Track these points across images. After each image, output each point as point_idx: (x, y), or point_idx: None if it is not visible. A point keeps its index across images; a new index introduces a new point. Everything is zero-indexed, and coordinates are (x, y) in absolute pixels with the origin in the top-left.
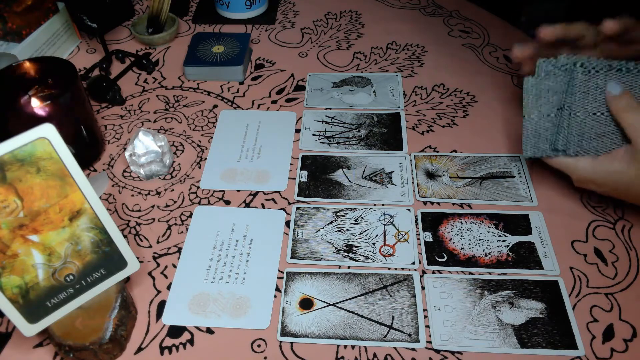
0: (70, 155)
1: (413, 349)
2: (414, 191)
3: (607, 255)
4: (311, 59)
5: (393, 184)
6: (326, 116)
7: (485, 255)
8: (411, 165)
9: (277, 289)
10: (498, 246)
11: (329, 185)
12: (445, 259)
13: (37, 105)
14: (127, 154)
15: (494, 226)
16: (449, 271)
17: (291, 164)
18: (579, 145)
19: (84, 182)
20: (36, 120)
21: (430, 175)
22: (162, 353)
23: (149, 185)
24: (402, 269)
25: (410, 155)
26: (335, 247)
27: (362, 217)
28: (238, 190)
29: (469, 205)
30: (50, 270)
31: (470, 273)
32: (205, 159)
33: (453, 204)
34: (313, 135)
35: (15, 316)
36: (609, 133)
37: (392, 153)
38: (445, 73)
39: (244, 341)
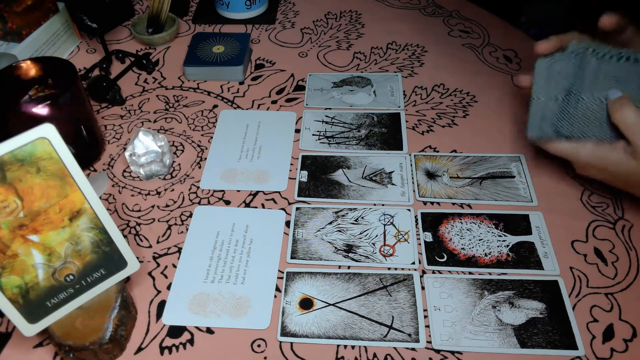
0: (70, 155)
1: (413, 349)
2: (414, 191)
3: (607, 255)
4: (311, 59)
5: (393, 184)
6: (326, 116)
7: (485, 255)
8: (411, 165)
9: (277, 289)
10: (498, 246)
11: (329, 185)
12: (445, 259)
13: (37, 105)
14: (127, 154)
15: (494, 226)
16: (449, 271)
17: (291, 164)
18: (582, 131)
19: (84, 182)
20: (36, 120)
21: (430, 175)
22: (162, 353)
23: (149, 185)
24: (402, 269)
25: (410, 155)
26: (335, 247)
27: (362, 217)
28: (238, 190)
29: (469, 205)
30: (50, 270)
31: (470, 273)
32: (205, 159)
33: (453, 204)
34: (313, 135)
35: (15, 316)
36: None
37: (392, 153)
38: (445, 73)
39: (244, 341)
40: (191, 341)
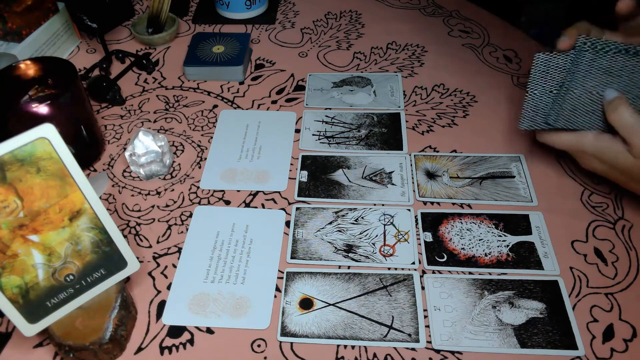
0: (70, 155)
1: (413, 349)
2: (414, 191)
3: (607, 255)
4: (311, 59)
5: (393, 184)
6: (326, 116)
7: (485, 255)
8: (411, 165)
9: (277, 289)
10: (498, 246)
11: (329, 185)
12: (445, 259)
13: (37, 105)
14: (127, 154)
15: (494, 226)
16: (449, 271)
17: (291, 164)
18: (568, 120)
19: (84, 182)
20: (36, 120)
21: (430, 175)
22: (162, 353)
23: (149, 185)
24: (402, 269)
25: (410, 155)
26: (335, 247)
27: (362, 217)
28: (238, 190)
29: (469, 205)
30: (50, 270)
31: (470, 273)
32: (205, 159)
33: (453, 204)
34: (313, 135)
35: (15, 316)
36: (599, 111)
37: (392, 153)
38: (445, 73)
39: (244, 341)
40: (191, 341)
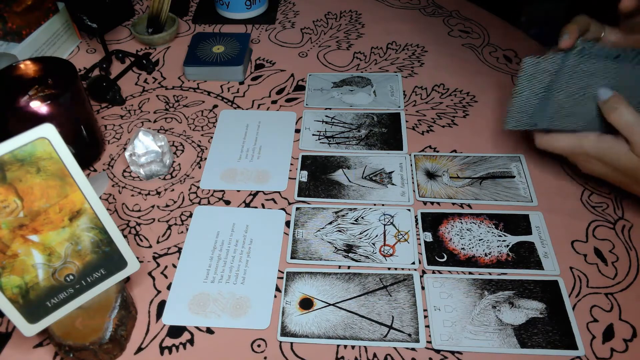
0: (70, 155)
1: (413, 349)
2: (414, 191)
3: (607, 255)
4: (311, 59)
5: (393, 184)
6: (326, 116)
7: (485, 255)
8: (411, 165)
9: (277, 289)
10: (498, 246)
11: (329, 185)
12: (445, 259)
13: (37, 105)
14: (127, 154)
15: (494, 226)
16: (449, 271)
17: (291, 164)
18: (551, 121)
19: (84, 182)
20: (36, 120)
21: (430, 175)
22: (162, 353)
23: (149, 185)
24: (402, 269)
25: (410, 155)
26: (335, 247)
27: (362, 217)
28: (238, 190)
29: (469, 205)
30: (50, 270)
31: (470, 273)
32: (205, 159)
33: (453, 204)
34: (313, 135)
35: (15, 316)
36: (581, 113)
37: (392, 153)
38: (445, 73)
39: (244, 341)
40: (191, 341)
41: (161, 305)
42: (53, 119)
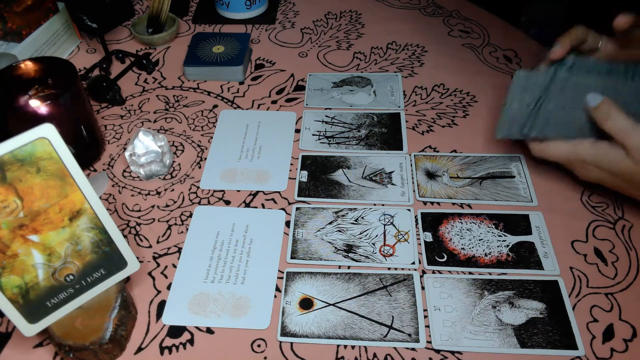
0: (70, 155)
1: (413, 349)
2: (414, 191)
3: (607, 255)
4: (311, 59)
5: (393, 184)
6: (326, 116)
7: (485, 255)
8: (411, 165)
9: (277, 289)
10: (498, 246)
11: (329, 185)
12: (445, 259)
13: (37, 105)
14: (127, 154)
15: (494, 226)
16: (449, 271)
17: (291, 164)
18: (541, 130)
19: (84, 182)
20: (36, 120)
21: (430, 175)
22: (162, 353)
23: (149, 185)
24: (402, 269)
25: (410, 155)
26: (335, 247)
27: (362, 217)
28: (238, 190)
29: (469, 205)
30: (50, 270)
31: (470, 273)
32: (205, 159)
33: (453, 204)
34: (313, 135)
35: (15, 316)
36: (571, 121)
37: (392, 153)
38: (445, 73)
39: (244, 341)
40: (191, 341)
41: (161, 305)
42: (53, 119)
